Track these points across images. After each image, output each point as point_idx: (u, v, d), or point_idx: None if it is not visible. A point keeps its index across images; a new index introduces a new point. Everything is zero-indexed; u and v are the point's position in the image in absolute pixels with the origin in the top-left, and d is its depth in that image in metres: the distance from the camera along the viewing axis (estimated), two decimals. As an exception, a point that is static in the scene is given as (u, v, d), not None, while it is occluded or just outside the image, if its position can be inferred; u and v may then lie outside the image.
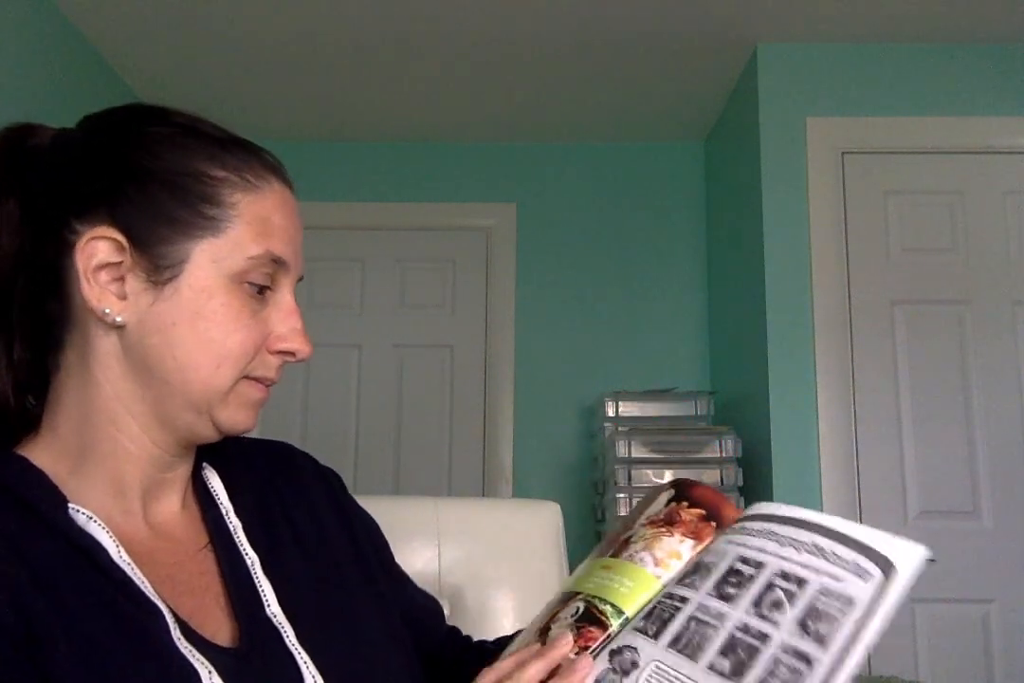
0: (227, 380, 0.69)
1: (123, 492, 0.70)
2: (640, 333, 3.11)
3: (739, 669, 0.56)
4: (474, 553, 1.08)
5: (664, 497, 0.72)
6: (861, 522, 2.54)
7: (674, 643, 0.60)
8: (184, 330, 0.68)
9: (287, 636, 0.69)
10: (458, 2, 2.39)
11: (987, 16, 2.41)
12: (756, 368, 2.52)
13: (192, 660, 0.62)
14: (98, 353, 0.69)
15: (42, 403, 0.71)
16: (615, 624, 0.64)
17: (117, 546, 0.65)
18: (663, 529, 0.69)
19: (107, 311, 0.67)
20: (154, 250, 0.67)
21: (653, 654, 0.60)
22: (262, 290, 0.71)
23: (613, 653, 0.61)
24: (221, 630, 0.68)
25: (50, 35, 2.37)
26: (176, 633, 0.63)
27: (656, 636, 0.61)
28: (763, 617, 0.58)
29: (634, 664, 0.60)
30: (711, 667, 0.57)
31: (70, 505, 0.66)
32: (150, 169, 0.68)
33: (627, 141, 3.23)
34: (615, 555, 0.69)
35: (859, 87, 2.55)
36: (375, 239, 3.25)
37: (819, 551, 0.61)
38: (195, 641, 0.64)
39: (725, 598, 0.61)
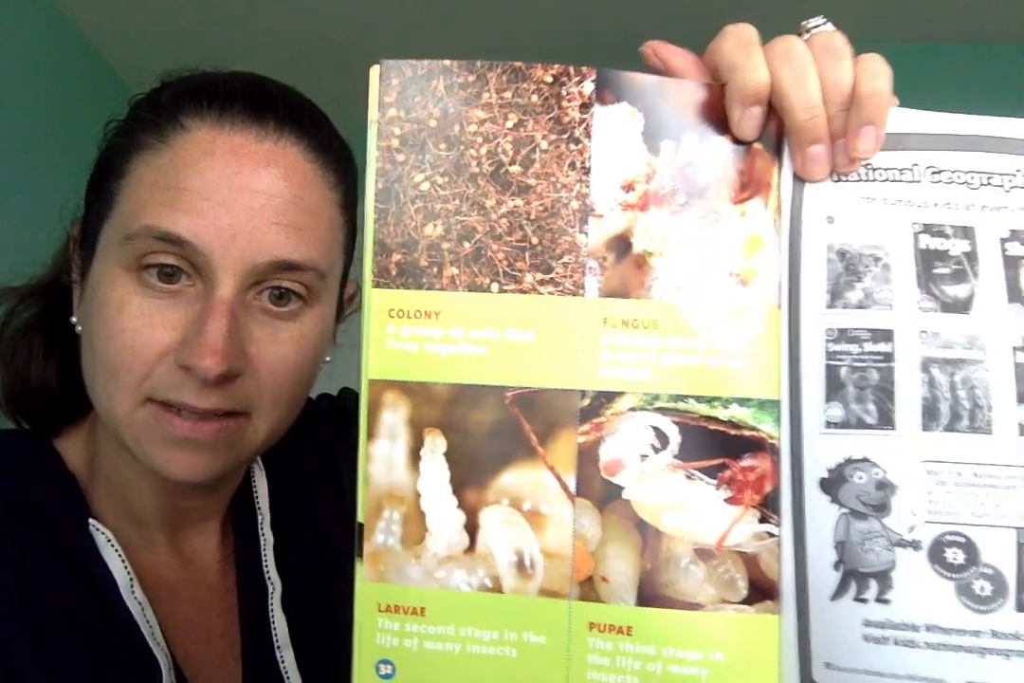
0: (122, 404, 0.51)
1: (141, 522, 0.59)
2: (640, 333, 3.10)
3: None
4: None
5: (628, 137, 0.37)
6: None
7: (930, 417, 0.35)
8: (86, 337, 0.54)
9: None
10: (458, 2, 2.38)
11: (987, 16, 2.41)
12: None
13: None
14: None
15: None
16: (771, 428, 0.36)
17: (131, 580, 0.54)
18: (695, 196, 0.37)
19: (73, 320, 0.56)
20: (85, 243, 0.56)
21: (907, 455, 0.35)
22: (173, 274, 0.50)
23: (828, 484, 0.35)
24: (229, 681, 0.58)
25: (50, 35, 2.37)
26: None
27: (886, 421, 0.35)
28: None
29: (882, 486, 0.35)
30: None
31: (91, 522, 0.55)
32: (101, 153, 0.58)
33: (627, 141, 3.23)
34: (627, 294, 0.37)
35: (859, 87, 2.55)
36: (375, 239, 3.24)
37: None
38: None
39: (955, 307, 0.36)
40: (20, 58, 2.21)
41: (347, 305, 0.63)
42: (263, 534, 0.61)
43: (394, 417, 0.37)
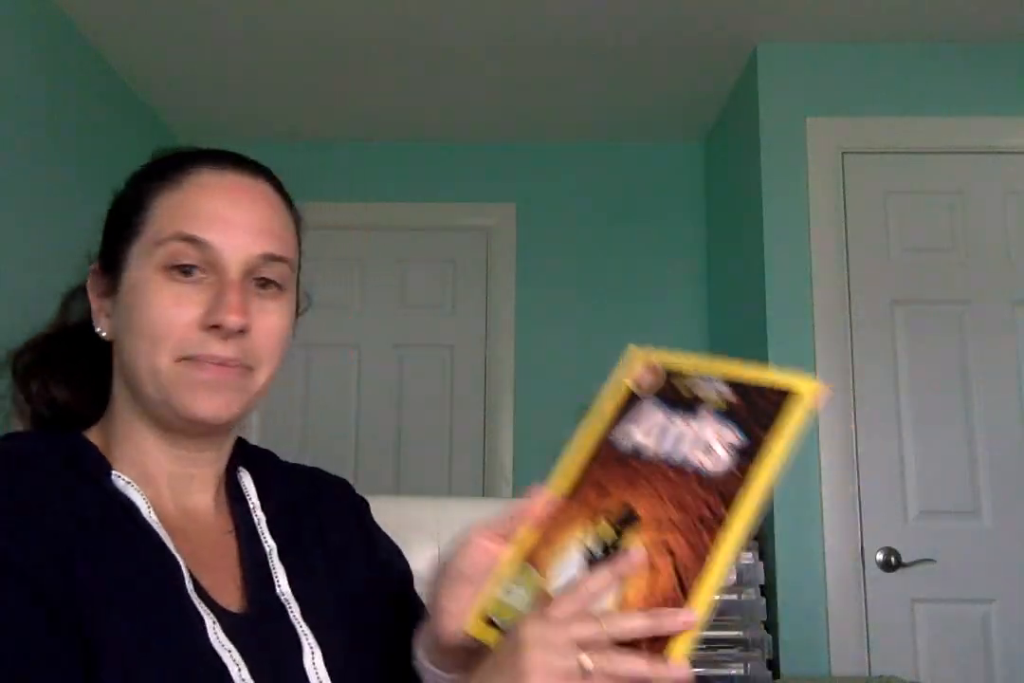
0: (161, 362, 0.72)
1: (150, 483, 0.76)
2: (640, 333, 3.09)
3: None
4: (474, 553, 1.07)
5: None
6: (862, 523, 2.49)
7: None
8: (127, 325, 0.75)
9: (292, 612, 0.75)
10: (458, 3, 2.39)
11: (987, 16, 2.41)
12: (756, 368, 2.52)
13: (200, 610, 0.69)
14: (115, 366, 0.79)
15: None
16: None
17: (148, 508, 0.73)
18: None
19: (98, 330, 0.79)
20: (111, 267, 0.77)
21: None
22: (190, 271, 0.73)
23: None
24: (232, 604, 0.73)
25: (50, 35, 2.37)
26: (190, 586, 0.70)
27: None
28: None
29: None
30: None
31: (113, 472, 0.74)
32: (116, 204, 0.80)
33: (627, 141, 3.23)
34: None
35: (859, 87, 2.55)
36: (375, 239, 3.25)
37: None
38: (206, 600, 0.70)
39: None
40: (20, 58, 2.21)
41: (299, 307, 0.87)
42: (256, 515, 0.82)
43: None
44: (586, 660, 0.56)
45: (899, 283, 2.47)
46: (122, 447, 0.77)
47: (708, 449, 0.65)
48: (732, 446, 0.65)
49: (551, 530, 0.66)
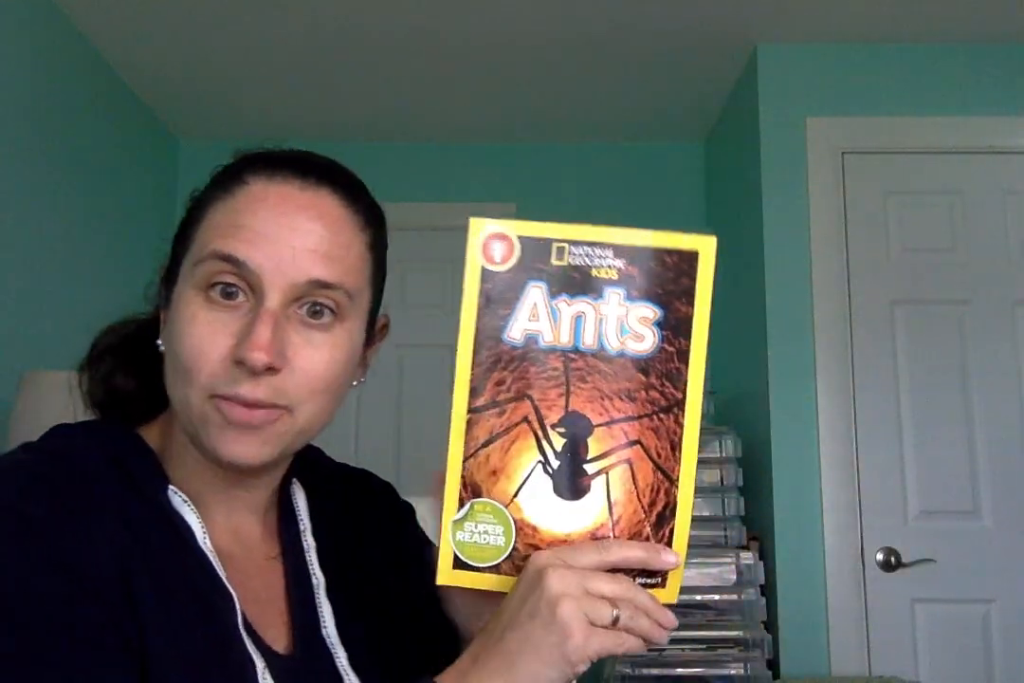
0: (193, 397, 0.65)
1: (201, 501, 0.71)
2: (640, 333, 3.10)
3: None
4: (474, 553, 1.08)
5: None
6: (862, 523, 2.49)
7: None
8: (168, 348, 0.69)
9: (338, 658, 0.72)
10: (458, 3, 2.39)
11: (987, 16, 2.41)
12: (756, 368, 2.52)
13: (251, 650, 0.66)
14: None
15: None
16: None
17: (204, 532, 0.68)
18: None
19: (158, 341, 0.71)
20: (169, 279, 0.71)
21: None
22: (233, 294, 0.65)
23: None
24: (278, 640, 0.70)
25: (50, 35, 2.37)
26: (241, 621, 0.66)
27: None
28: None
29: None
30: None
31: (170, 487, 0.69)
32: (186, 211, 0.73)
33: (627, 141, 3.23)
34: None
35: (859, 87, 2.55)
36: (375, 239, 3.25)
37: None
38: (253, 637, 0.67)
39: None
40: (20, 58, 2.22)
41: (379, 334, 0.82)
42: (306, 540, 0.76)
43: None
44: (615, 612, 0.58)
45: (899, 283, 2.47)
46: (174, 459, 0.71)
47: (624, 328, 0.60)
48: (650, 320, 0.60)
49: (496, 458, 0.62)
